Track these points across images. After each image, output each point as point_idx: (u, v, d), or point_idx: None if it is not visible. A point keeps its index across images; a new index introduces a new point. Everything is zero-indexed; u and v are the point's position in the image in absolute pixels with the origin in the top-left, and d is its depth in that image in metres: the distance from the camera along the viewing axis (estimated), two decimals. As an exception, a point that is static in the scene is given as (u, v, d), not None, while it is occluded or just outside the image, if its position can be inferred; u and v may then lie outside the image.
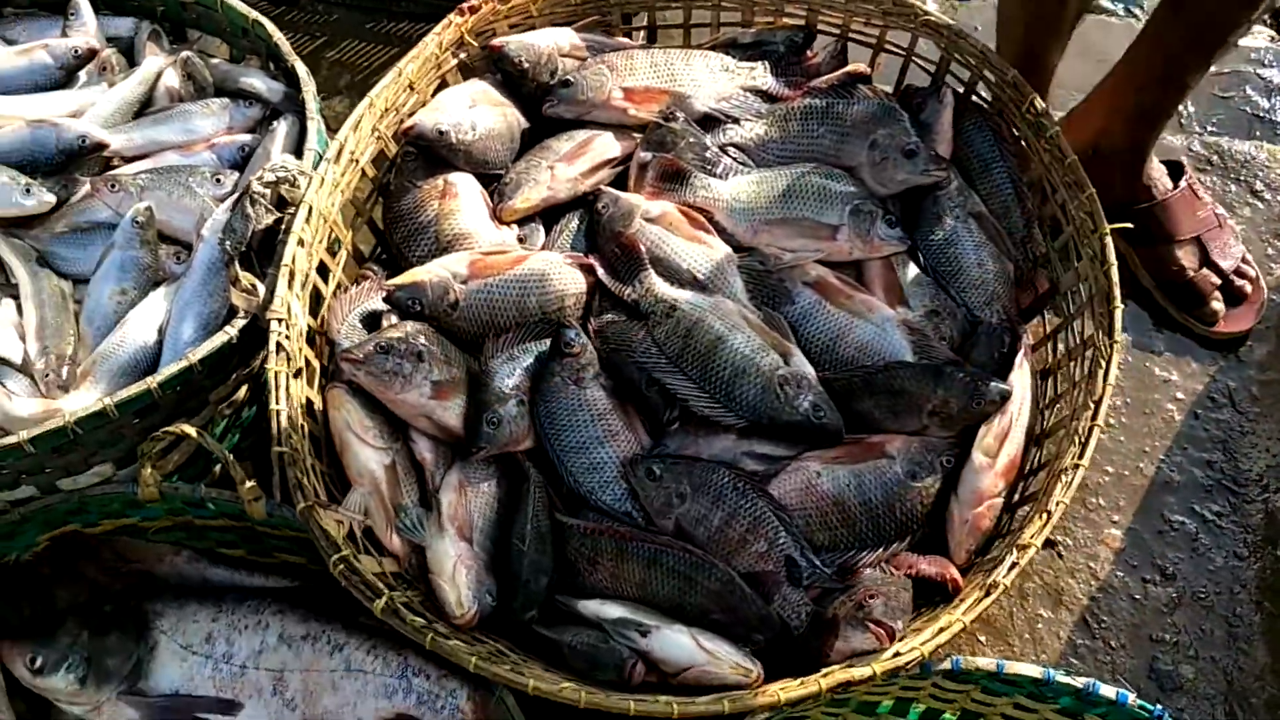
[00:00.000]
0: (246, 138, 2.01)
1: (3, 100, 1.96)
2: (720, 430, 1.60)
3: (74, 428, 1.52)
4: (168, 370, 1.57)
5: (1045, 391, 1.74)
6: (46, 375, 1.71)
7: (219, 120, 2.01)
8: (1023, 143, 1.85)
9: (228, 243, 1.71)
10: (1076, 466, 1.49)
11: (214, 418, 1.72)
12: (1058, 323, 1.79)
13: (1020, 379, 1.64)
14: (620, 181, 1.87)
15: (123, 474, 1.67)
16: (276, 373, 1.51)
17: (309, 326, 1.64)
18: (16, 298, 1.81)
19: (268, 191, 1.72)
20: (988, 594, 1.41)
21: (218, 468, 1.80)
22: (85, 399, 1.66)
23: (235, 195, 1.79)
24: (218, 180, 1.91)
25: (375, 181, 1.88)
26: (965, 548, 1.56)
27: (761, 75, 1.93)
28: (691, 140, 1.81)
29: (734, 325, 1.61)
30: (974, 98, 1.94)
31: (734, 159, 1.83)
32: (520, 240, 1.82)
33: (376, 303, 1.70)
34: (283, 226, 1.70)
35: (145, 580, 1.65)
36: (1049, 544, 1.96)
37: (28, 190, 1.83)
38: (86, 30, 2.08)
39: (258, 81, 2.06)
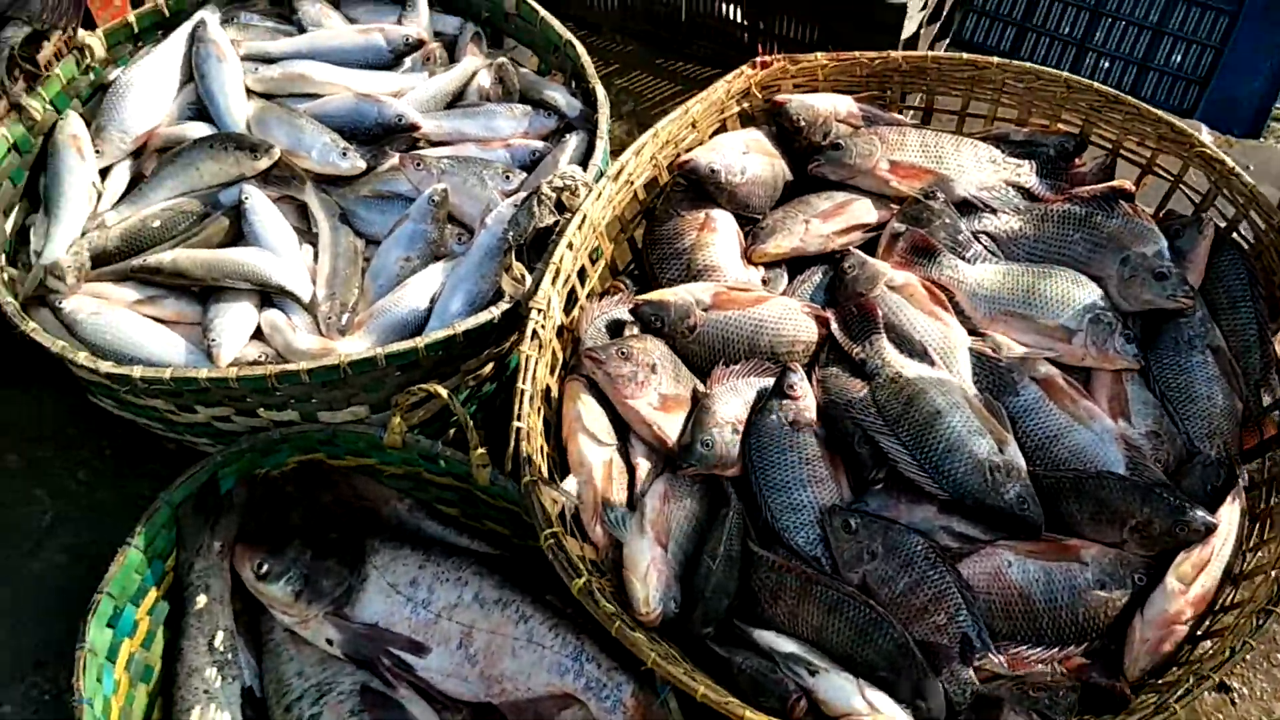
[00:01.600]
0: (540, 144, 2.17)
1: (337, 71, 2.19)
2: (923, 499, 1.64)
3: (346, 368, 1.68)
4: (435, 335, 1.72)
5: (1252, 534, 1.71)
6: (329, 318, 1.90)
7: (519, 124, 2.19)
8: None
9: (510, 233, 1.87)
10: (1269, 612, 1.47)
11: (460, 385, 1.86)
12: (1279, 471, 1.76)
13: (1229, 515, 1.63)
14: (868, 248, 1.95)
15: (374, 418, 1.83)
16: (528, 356, 1.64)
17: (561, 322, 1.77)
18: (315, 245, 2.01)
19: (554, 195, 1.87)
20: (1156, 712, 1.41)
21: (452, 431, 1.94)
22: (358, 345, 1.83)
23: (525, 193, 1.95)
24: (507, 177, 2.07)
25: (644, 204, 2.01)
26: (1140, 665, 1.55)
27: (1027, 174, 1.98)
28: (947, 221, 1.88)
29: (955, 403, 1.65)
30: (1234, 234, 1.93)
31: (984, 246, 1.89)
32: (764, 282, 1.92)
33: (623, 313, 1.83)
34: (557, 228, 1.85)
35: (369, 518, 1.80)
36: (1224, 688, 1.92)
37: (344, 153, 2.05)
38: (419, 22, 2.31)
39: (560, 96, 2.24)
